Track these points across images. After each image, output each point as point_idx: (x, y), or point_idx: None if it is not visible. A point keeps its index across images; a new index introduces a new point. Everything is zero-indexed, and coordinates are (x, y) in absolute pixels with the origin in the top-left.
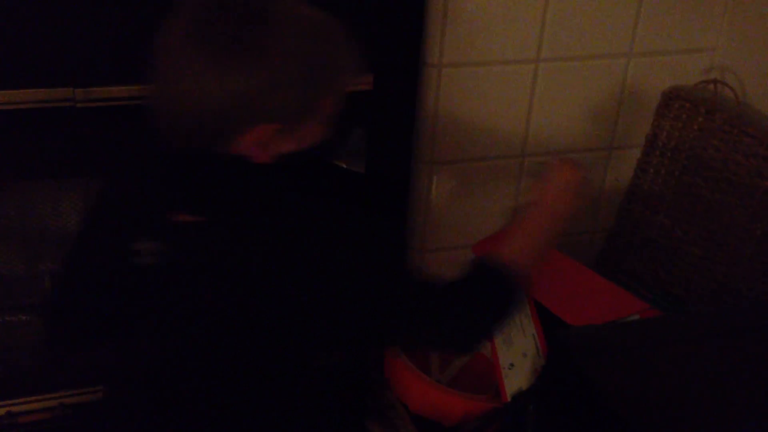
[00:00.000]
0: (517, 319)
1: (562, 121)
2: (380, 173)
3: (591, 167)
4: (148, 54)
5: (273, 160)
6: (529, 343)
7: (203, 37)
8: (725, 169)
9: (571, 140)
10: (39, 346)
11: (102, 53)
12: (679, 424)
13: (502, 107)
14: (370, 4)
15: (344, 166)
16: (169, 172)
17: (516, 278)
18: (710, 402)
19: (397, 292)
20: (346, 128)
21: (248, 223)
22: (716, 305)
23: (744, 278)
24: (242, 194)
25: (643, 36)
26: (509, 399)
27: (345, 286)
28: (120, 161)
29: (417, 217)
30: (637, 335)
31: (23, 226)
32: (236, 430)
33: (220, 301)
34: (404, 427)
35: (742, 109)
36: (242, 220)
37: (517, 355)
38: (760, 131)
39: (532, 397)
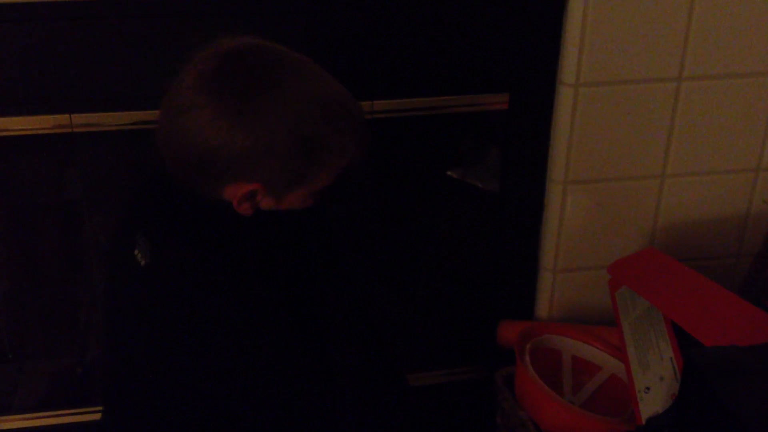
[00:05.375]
0: (655, 343)
1: (705, 142)
2: (514, 192)
3: (736, 189)
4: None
5: (250, 211)
6: (666, 366)
7: (217, 86)
8: None
9: (714, 161)
10: None
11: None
12: None
13: (642, 127)
14: (506, 23)
15: (479, 185)
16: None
17: None
18: None
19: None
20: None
21: (198, 259)
22: None
23: None
24: (209, 232)
25: None
26: (644, 422)
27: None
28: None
29: (550, 236)
30: None
31: None
32: None
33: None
34: None
35: None
36: (194, 256)
37: (653, 379)
38: None
39: (667, 421)
